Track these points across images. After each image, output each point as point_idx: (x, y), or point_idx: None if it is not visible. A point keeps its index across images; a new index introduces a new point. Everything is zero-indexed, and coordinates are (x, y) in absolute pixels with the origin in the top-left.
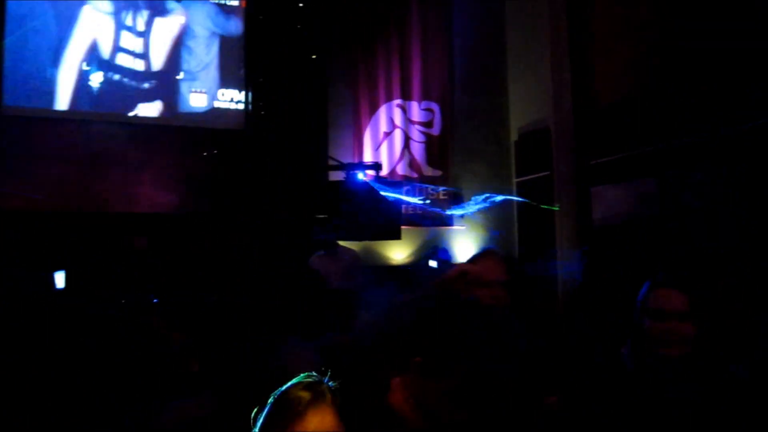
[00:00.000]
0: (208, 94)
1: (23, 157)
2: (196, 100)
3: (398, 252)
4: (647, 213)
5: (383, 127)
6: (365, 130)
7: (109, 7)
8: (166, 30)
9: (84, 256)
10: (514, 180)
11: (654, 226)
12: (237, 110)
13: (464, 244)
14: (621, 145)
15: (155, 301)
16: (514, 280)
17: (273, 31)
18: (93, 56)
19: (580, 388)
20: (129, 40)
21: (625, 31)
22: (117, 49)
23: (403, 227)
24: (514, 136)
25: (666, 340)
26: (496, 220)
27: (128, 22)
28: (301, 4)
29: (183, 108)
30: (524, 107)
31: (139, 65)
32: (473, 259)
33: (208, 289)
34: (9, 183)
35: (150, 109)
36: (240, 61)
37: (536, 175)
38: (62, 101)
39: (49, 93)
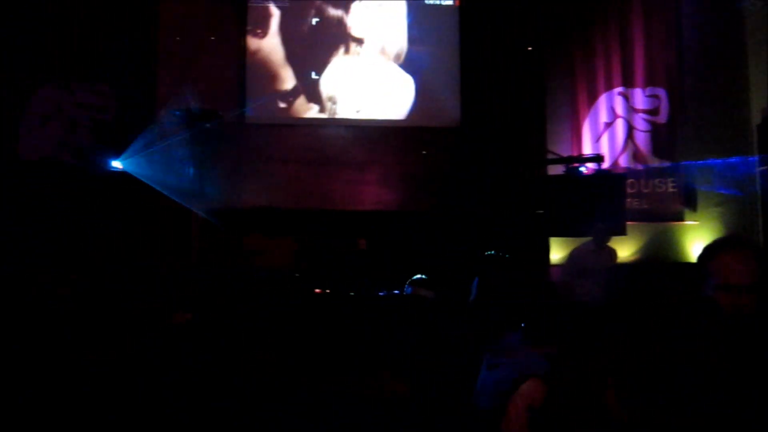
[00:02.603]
0: (422, 94)
1: (262, 160)
2: (412, 100)
3: (622, 249)
4: None
5: (603, 118)
6: (584, 121)
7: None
8: (389, 32)
9: (314, 251)
10: (758, 169)
11: None
12: (454, 107)
13: (697, 240)
14: None
15: (381, 294)
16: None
17: (488, 27)
18: (324, 66)
19: None
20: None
21: None
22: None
23: (627, 223)
24: (756, 120)
25: None
26: (735, 214)
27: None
28: None
29: (401, 107)
30: None
31: (368, 72)
32: (711, 251)
33: (429, 286)
34: (250, 184)
35: (371, 111)
36: (455, 58)
37: None
38: (297, 108)
39: (285, 102)
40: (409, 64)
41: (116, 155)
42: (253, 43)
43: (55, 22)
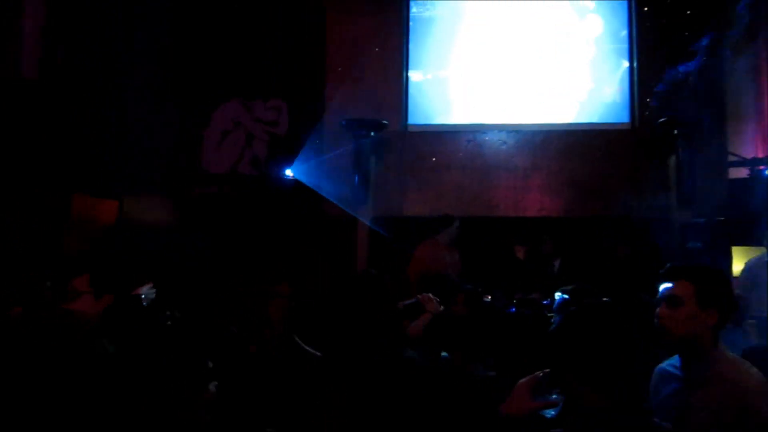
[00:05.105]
0: (588, 95)
1: (426, 168)
2: (577, 103)
3: None
4: None
5: None
6: None
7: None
8: (553, 32)
9: (477, 258)
10: None
11: None
12: (623, 108)
13: None
14: None
15: (545, 302)
16: None
17: (661, 21)
18: (486, 70)
19: None
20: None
21: None
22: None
23: None
24: None
25: None
26: None
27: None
28: None
29: (566, 110)
30: None
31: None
32: None
33: (600, 294)
34: (414, 191)
35: (535, 115)
36: (625, 56)
37: None
38: (459, 115)
39: (447, 109)
40: (575, 64)
41: (289, 165)
42: (415, 52)
43: (233, 44)
